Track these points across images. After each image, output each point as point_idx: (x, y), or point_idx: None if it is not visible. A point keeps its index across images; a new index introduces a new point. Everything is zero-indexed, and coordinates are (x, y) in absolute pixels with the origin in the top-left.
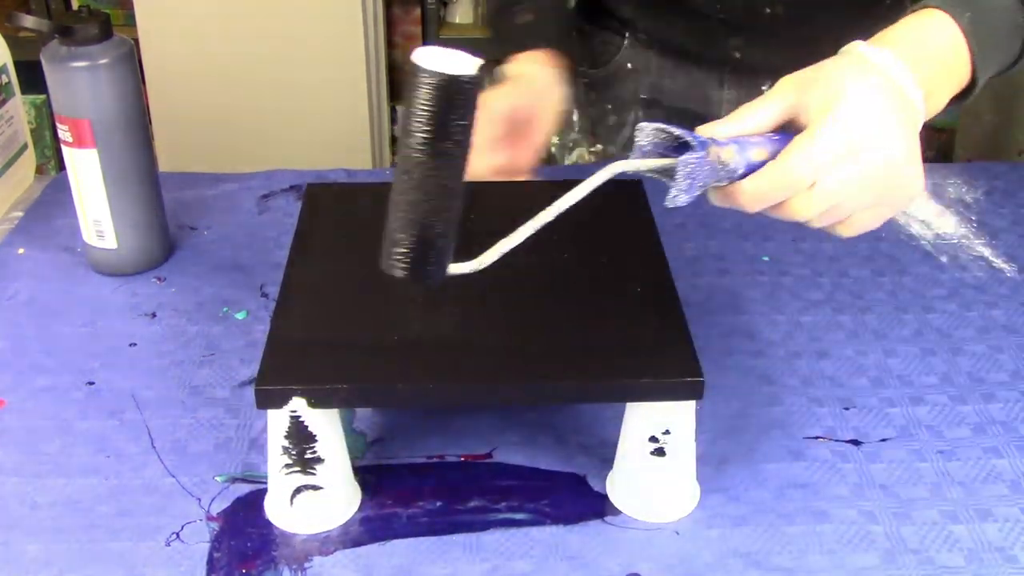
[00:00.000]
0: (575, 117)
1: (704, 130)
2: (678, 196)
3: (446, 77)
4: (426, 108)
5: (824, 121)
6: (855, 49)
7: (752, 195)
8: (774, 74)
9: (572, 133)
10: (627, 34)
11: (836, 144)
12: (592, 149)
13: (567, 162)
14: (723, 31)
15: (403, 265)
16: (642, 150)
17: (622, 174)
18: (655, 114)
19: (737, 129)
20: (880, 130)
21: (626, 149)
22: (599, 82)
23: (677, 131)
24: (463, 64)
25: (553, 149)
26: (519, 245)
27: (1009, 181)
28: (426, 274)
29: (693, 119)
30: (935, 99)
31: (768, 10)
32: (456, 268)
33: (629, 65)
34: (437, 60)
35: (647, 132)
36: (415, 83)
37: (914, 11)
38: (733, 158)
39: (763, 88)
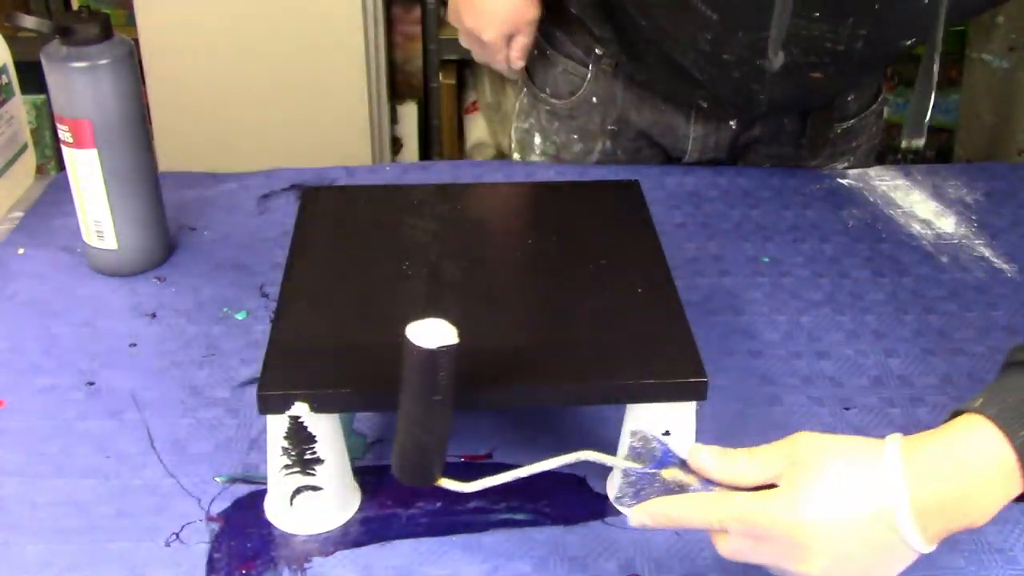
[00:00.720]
0: (537, 140)
1: (694, 450)
2: (623, 499)
3: (430, 351)
4: (417, 375)
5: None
6: (884, 453)
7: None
8: (741, 114)
9: (533, 155)
10: (590, 65)
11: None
12: None
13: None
14: (704, 91)
15: (400, 472)
16: (634, 450)
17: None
18: (621, 144)
19: (722, 471)
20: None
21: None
22: (563, 112)
23: (658, 449)
24: (444, 335)
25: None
26: (516, 241)
27: (1009, 181)
28: (417, 478)
29: (658, 149)
30: (964, 518)
31: (762, 96)
32: (447, 483)
33: (594, 99)
34: (424, 335)
35: (639, 439)
36: (408, 356)
37: (967, 415)
38: (693, 484)
39: (731, 124)
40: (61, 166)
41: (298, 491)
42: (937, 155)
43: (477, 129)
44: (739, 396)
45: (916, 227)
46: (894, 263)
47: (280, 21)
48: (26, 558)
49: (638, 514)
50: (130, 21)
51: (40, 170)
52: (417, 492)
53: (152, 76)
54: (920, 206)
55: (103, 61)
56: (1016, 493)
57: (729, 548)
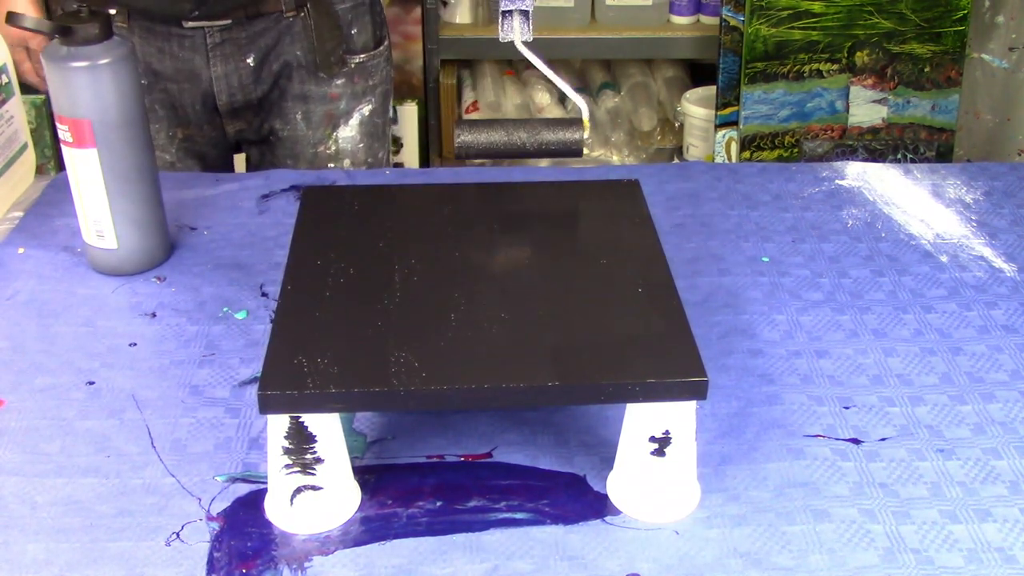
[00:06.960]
0: None
1: None
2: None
3: None
4: None
5: None
6: None
7: None
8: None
9: None
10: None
11: None
12: None
13: None
14: None
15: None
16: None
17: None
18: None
19: None
20: None
21: None
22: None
23: None
24: None
25: None
26: (516, 241)
27: (1009, 181)
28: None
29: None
30: None
31: None
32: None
33: None
34: None
35: None
36: None
37: None
38: None
39: (248, 60)
40: (61, 166)
41: (298, 491)
42: (937, 155)
43: None
44: (739, 395)
45: (915, 226)
46: (893, 262)
47: None
48: (26, 558)
49: None
50: None
51: (40, 170)
52: (417, 492)
53: None
54: (920, 205)
55: (103, 61)
56: None
57: None
